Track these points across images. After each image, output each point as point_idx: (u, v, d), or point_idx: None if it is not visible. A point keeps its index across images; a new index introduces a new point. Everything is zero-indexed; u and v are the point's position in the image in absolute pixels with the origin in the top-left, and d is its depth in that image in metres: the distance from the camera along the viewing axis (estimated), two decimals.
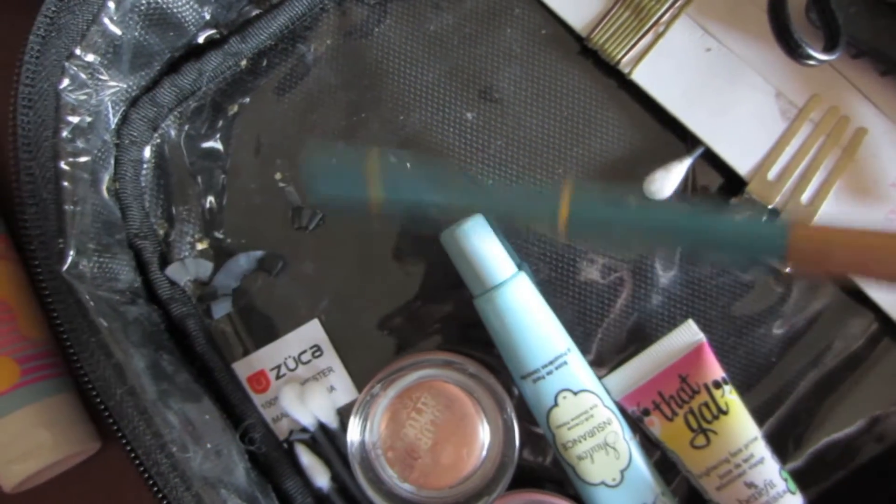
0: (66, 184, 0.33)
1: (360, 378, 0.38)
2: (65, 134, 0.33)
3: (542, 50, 0.39)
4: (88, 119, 0.35)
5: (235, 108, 0.39)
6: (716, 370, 0.35)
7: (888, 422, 0.37)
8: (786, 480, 0.34)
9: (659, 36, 0.38)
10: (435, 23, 0.39)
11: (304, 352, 0.38)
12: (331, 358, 0.38)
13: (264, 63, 0.39)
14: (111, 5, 0.34)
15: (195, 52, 0.38)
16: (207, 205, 0.39)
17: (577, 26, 0.38)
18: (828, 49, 0.35)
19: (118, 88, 0.36)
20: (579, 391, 0.34)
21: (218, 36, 0.39)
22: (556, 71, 0.39)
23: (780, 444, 0.36)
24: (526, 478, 0.37)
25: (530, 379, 0.34)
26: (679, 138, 0.38)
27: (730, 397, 0.35)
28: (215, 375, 0.37)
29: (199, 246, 0.39)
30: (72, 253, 0.32)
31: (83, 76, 0.34)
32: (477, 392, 0.35)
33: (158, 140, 0.39)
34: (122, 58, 0.35)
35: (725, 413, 0.35)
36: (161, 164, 0.39)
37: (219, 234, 0.39)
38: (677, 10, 0.38)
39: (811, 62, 0.34)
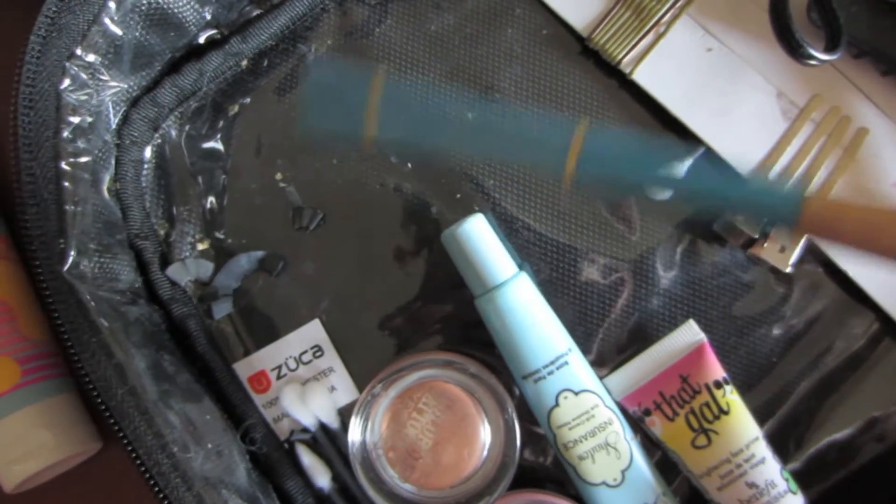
0: (66, 184, 0.33)
1: (361, 378, 0.38)
2: (66, 134, 0.33)
3: (543, 50, 0.39)
4: (89, 119, 0.35)
5: (236, 108, 0.39)
6: (717, 370, 0.35)
7: (889, 422, 0.37)
8: (787, 480, 0.34)
9: (660, 36, 0.38)
10: (436, 23, 0.39)
11: (305, 352, 0.38)
12: (332, 358, 0.38)
13: (265, 63, 0.39)
14: (112, 5, 0.34)
15: (196, 53, 0.38)
16: (208, 205, 0.39)
17: (578, 26, 0.38)
18: (829, 49, 0.35)
19: (119, 89, 0.36)
20: (580, 391, 0.34)
21: (219, 36, 0.39)
22: (557, 71, 0.39)
23: (782, 444, 0.36)
24: (527, 478, 0.37)
25: (531, 379, 0.34)
26: (680, 138, 0.38)
27: (731, 397, 0.35)
28: (216, 376, 0.37)
29: (200, 246, 0.39)
30: (72, 253, 0.32)
31: (84, 76, 0.34)
32: (478, 392, 0.35)
33: (159, 140, 0.39)
34: (122, 58, 0.35)
35: (726, 413, 0.35)
36: (162, 164, 0.39)
37: (219, 235, 0.39)
38: (678, 10, 0.38)
39: (812, 62, 0.34)
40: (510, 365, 0.35)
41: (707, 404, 0.35)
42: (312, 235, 0.38)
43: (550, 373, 0.34)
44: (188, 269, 0.38)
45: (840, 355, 0.37)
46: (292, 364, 0.38)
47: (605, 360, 0.37)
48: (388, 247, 0.38)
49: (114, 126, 0.37)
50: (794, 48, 0.34)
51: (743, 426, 0.34)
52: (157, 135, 0.39)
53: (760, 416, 0.36)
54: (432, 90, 0.32)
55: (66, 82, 0.33)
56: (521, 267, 0.35)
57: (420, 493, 0.35)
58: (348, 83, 0.31)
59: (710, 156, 0.37)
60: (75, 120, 0.34)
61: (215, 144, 0.39)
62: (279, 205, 0.39)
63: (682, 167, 0.28)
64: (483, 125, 0.30)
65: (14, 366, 0.35)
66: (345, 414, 0.37)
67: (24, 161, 0.32)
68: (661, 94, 0.37)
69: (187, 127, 0.39)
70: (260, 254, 0.38)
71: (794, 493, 0.34)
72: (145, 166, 0.39)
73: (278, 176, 0.39)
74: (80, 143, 0.34)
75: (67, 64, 0.33)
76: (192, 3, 0.36)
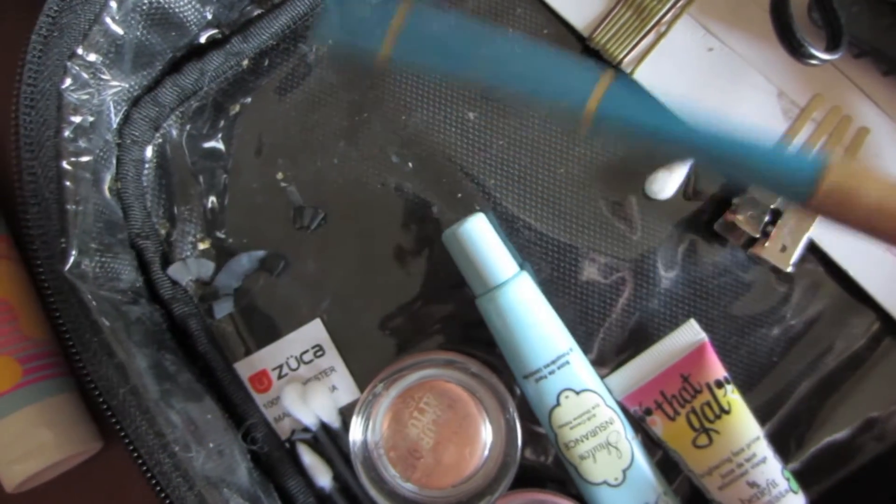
0: (68, 183, 0.33)
1: (362, 378, 0.38)
2: (67, 133, 0.33)
3: None
4: (90, 119, 0.35)
5: (237, 107, 0.39)
6: (718, 370, 0.35)
7: (889, 421, 0.37)
8: (788, 480, 0.34)
9: (661, 36, 0.38)
10: None
11: (306, 351, 0.38)
12: (333, 357, 0.38)
13: (266, 63, 0.39)
14: (113, 5, 0.34)
15: (197, 52, 0.38)
16: (209, 204, 0.39)
17: (579, 26, 0.38)
18: (830, 49, 0.35)
19: (120, 88, 0.36)
20: (581, 391, 0.34)
21: (220, 36, 0.39)
22: None
23: (782, 443, 0.36)
24: (528, 477, 0.37)
25: (532, 378, 0.34)
26: None
27: (732, 397, 0.35)
28: (217, 375, 0.37)
29: (201, 246, 0.39)
30: (74, 252, 0.32)
31: (85, 76, 0.34)
32: (479, 392, 0.35)
33: (160, 140, 0.39)
34: (124, 57, 0.35)
35: (727, 412, 0.35)
36: (163, 163, 0.39)
37: (220, 234, 0.39)
38: (679, 9, 0.38)
39: (813, 62, 0.34)
40: (511, 364, 0.35)
41: (708, 404, 0.35)
42: (313, 235, 0.38)
43: (552, 372, 0.34)
44: (189, 269, 0.38)
45: (841, 355, 0.37)
46: (293, 363, 0.38)
47: (606, 360, 0.37)
48: (389, 246, 0.38)
49: (115, 125, 0.37)
50: (795, 48, 0.34)
51: (744, 425, 0.35)
52: (158, 134, 0.39)
53: (761, 415, 0.36)
54: (458, 23, 0.30)
55: (68, 82, 0.33)
56: (522, 266, 0.35)
57: (421, 492, 0.35)
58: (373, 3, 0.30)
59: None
60: (77, 119, 0.34)
61: (216, 144, 0.39)
62: (280, 204, 0.39)
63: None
64: (503, 58, 0.29)
65: (15, 365, 0.35)
66: (346, 413, 0.37)
67: (26, 160, 0.32)
68: (662, 93, 0.37)
69: (188, 126, 0.39)
70: (261, 253, 0.38)
71: (796, 492, 0.34)
72: (146, 166, 0.39)
73: (279, 175, 0.39)
74: (82, 143, 0.34)
75: (69, 63, 0.33)
76: (194, 3, 0.36)
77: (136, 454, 0.31)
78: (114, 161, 0.37)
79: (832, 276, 0.37)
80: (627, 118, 0.27)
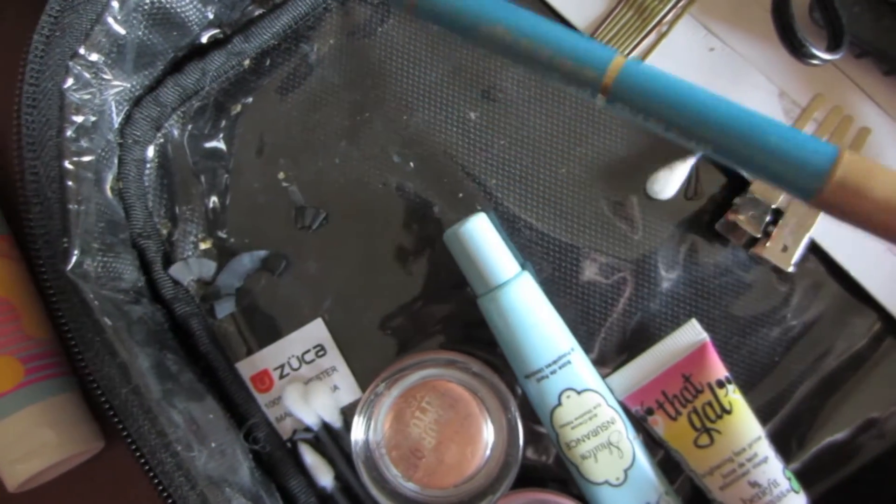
0: (70, 183, 0.33)
1: (364, 377, 0.38)
2: (69, 133, 0.33)
3: None
4: (92, 118, 0.35)
5: (238, 107, 0.39)
6: (719, 369, 0.35)
7: (891, 421, 0.37)
8: (789, 479, 0.34)
9: (662, 36, 0.38)
10: None
11: (308, 351, 0.38)
12: (334, 357, 0.38)
13: (267, 63, 0.39)
14: (115, 5, 0.34)
15: (198, 52, 0.38)
16: (211, 204, 0.39)
17: (581, 26, 0.39)
18: (831, 49, 0.35)
19: (122, 88, 0.36)
20: (583, 390, 0.34)
21: (221, 35, 0.39)
22: None
23: (784, 443, 0.36)
24: (529, 477, 0.37)
25: (534, 378, 0.34)
26: None
27: (733, 396, 0.35)
28: (219, 375, 0.37)
29: (203, 245, 0.39)
30: (76, 252, 0.33)
31: (87, 75, 0.34)
32: (481, 391, 0.35)
33: (162, 139, 0.39)
34: (125, 57, 0.35)
35: (729, 412, 0.35)
36: (164, 163, 0.39)
37: (222, 234, 0.39)
38: (680, 9, 0.38)
39: (815, 62, 0.34)
40: (513, 364, 0.35)
41: (709, 403, 0.35)
42: (315, 235, 0.39)
43: (553, 372, 0.34)
44: (191, 269, 0.38)
45: (842, 355, 0.37)
46: (295, 363, 0.38)
47: (607, 360, 0.37)
48: (391, 246, 0.38)
49: (116, 125, 0.37)
50: (796, 48, 0.34)
51: (745, 425, 0.35)
52: (159, 134, 0.39)
53: (763, 415, 0.36)
54: None
55: (70, 81, 0.33)
56: (523, 266, 0.35)
57: (423, 492, 0.35)
58: None
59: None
60: (78, 119, 0.34)
61: (218, 144, 0.39)
62: (282, 204, 0.39)
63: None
64: (526, 17, 0.29)
65: (17, 365, 0.35)
66: (347, 413, 0.37)
67: (28, 160, 0.32)
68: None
69: (190, 126, 0.39)
70: (262, 253, 0.38)
71: (797, 492, 0.34)
72: (148, 165, 0.39)
73: (281, 175, 0.39)
74: (84, 143, 0.34)
75: (71, 63, 0.33)
76: (195, 3, 0.36)
77: (138, 454, 0.31)
78: (115, 161, 0.37)
79: (833, 276, 0.37)
80: (645, 91, 0.27)
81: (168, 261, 0.38)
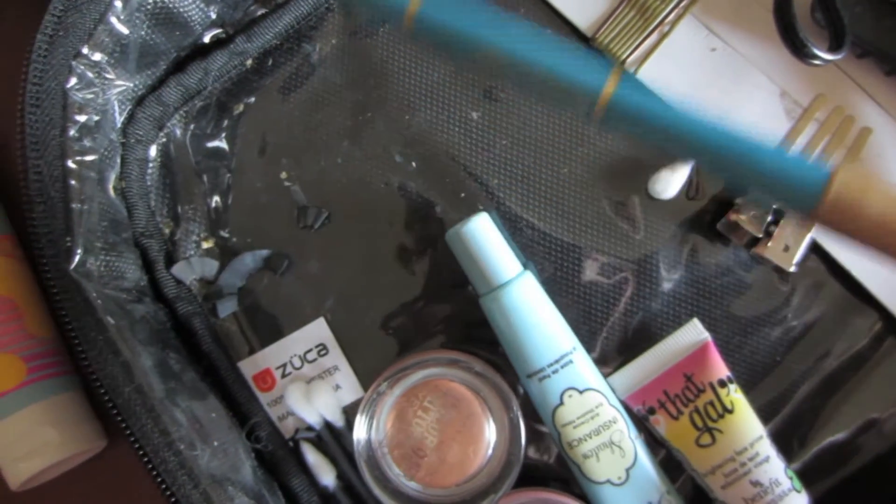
0: (73, 182, 0.33)
1: (366, 376, 0.38)
2: (72, 133, 0.33)
3: None
4: (95, 118, 0.35)
5: (241, 107, 0.39)
6: (721, 369, 0.35)
7: (891, 421, 0.37)
8: (791, 479, 0.34)
9: (664, 36, 0.38)
10: None
11: (310, 350, 0.38)
12: (336, 356, 0.38)
13: (270, 62, 0.40)
14: (118, 4, 0.34)
15: (201, 52, 0.39)
16: (213, 204, 0.39)
17: (583, 26, 0.39)
18: (833, 49, 0.35)
19: (125, 87, 0.36)
20: (585, 390, 0.34)
21: (224, 35, 0.39)
22: None
23: (785, 442, 0.36)
24: (531, 476, 0.37)
25: (536, 377, 0.34)
26: None
27: (735, 396, 0.35)
28: (221, 374, 0.37)
29: (205, 245, 0.39)
30: (79, 251, 0.33)
31: (90, 75, 0.34)
32: (483, 391, 0.35)
33: (164, 139, 0.39)
34: (128, 57, 0.35)
35: (731, 412, 0.35)
36: (167, 163, 0.39)
37: (224, 233, 0.39)
38: (682, 9, 0.38)
39: (816, 62, 0.34)
40: (515, 363, 0.35)
41: (711, 403, 0.35)
42: (317, 234, 0.39)
43: (555, 371, 0.34)
44: (193, 268, 0.38)
45: (843, 354, 0.37)
46: (297, 362, 0.38)
47: (609, 359, 0.37)
48: (393, 246, 0.38)
49: (119, 125, 0.37)
50: (798, 48, 0.34)
51: (747, 425, 0.35)
52: (162, 133, 0.39)
53: (764, 414, 0.36)
54: None
55: (73, 81, 0.33)
56: (525, 266, 0.35)
57: (425, 491, 0.35)
58: None
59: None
60: (82, 118, 0.34)
61: (220, 143, 0.39)
62: (284, 204, 0.39)
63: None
64: (523, 34, 0.29)
65: (20, 363, 0.36)
66: (350, 412, 0.38)
67: (31, 159, 0.33)
68: (664, 93, 0.37)
69: (192, 126, 0.39)
70: (265, 252, 0.38)
71: (799, 491, 0.34)
72: (150, 165, 0.39)
73: (283, 175, 0.39)
74: (87, 142, 0.34)
75: (74, 63, 0.33)
76: (198, 3, 0.36)
77: (141, 452, 0.31)
78: (118, 160, 0.37)
79: (835, 276, 0.37)
80: (640, 109, 0.27)
81: (170, 260, 0.38)
